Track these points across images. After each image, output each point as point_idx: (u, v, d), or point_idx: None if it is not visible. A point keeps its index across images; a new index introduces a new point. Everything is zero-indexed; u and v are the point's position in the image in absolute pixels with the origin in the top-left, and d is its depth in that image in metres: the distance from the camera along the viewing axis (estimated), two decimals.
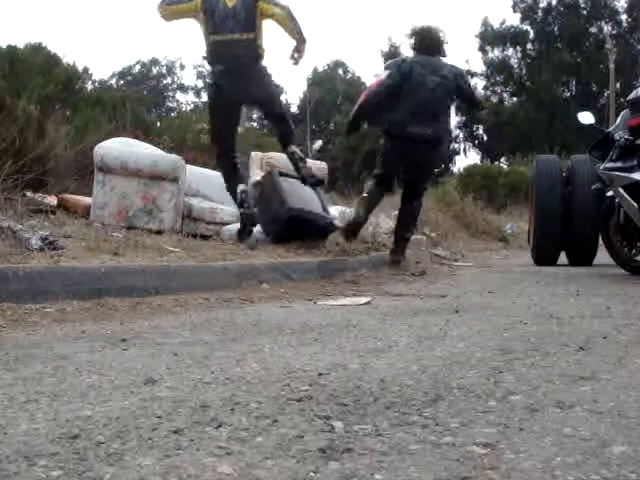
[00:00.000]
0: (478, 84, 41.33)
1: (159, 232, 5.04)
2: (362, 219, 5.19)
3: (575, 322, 2.53)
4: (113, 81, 42.81)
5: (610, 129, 5.49)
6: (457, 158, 41.42)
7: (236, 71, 4.85)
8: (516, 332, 2.28)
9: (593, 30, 38.07)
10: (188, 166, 6.07)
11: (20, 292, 2.52)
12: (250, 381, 1.50)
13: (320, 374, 1.57)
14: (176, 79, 48.96)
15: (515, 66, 40.07)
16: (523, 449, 1.06)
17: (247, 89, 4.90)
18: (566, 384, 1.50)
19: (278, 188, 5.04)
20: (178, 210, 5.46)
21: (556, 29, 38.54)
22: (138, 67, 47.68)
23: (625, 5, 37.46)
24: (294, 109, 46.48)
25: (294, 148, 5.07)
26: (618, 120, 5.42)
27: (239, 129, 5.37)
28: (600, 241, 6.17)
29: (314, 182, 5.16)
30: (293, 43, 4.96)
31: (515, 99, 39.81)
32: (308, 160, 5.56)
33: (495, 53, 40.01)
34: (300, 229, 5.01)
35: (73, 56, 41.77)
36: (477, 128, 41.80)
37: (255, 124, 43.75)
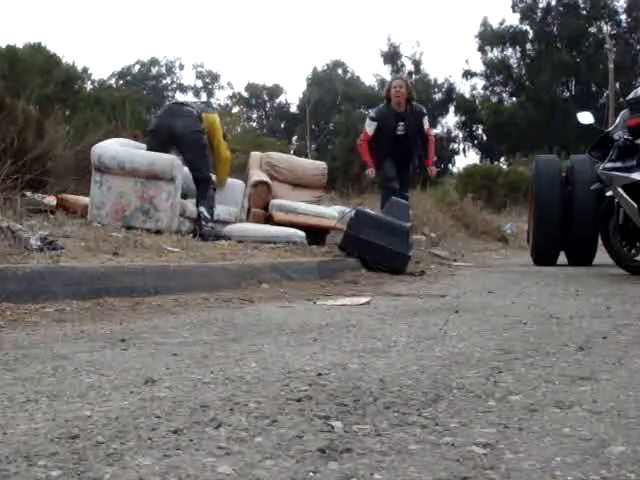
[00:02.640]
0: (477, 84, 41.49)
1: (158, 232, 5.05)
2: None
3: (575, 322, 2.53)
4: (112, 81, 42.81)
5: (609, 129, 5.49)
6: (457, 158, 41.50)
7: None
8: (516, 332, 2.28)
9: (593, 30, 38.06)
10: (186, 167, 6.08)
11: (20, 292, 2.52)
12: (249, 381, 1.50)
13: (319, 374, 1.57)
14: (175, 79, 48.98)
15: (514, 66, 40.08)
16: (523, 449, 1.06)
17: None
18: (566, 384, 1.50)
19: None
20: (175, 209, 5.48)
21: (555, 29, 38.54)
22: (137, 67, 47.62)
23: (625, 5, 37.49)
24: (294, 109, 46.49)
25: (202, 209, 5.77)
26: (617, 120, 5.41)
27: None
28: (600, 241, 6.17)
29: (213, 238, 5.52)
30: None
31: (515, 99, 39.82)
32: None
33: (494, 53, 40.05)
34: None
35: (72, 56, 41.61)
36: (477, 128, 41.81)
37: (255, 124, 43.78)
